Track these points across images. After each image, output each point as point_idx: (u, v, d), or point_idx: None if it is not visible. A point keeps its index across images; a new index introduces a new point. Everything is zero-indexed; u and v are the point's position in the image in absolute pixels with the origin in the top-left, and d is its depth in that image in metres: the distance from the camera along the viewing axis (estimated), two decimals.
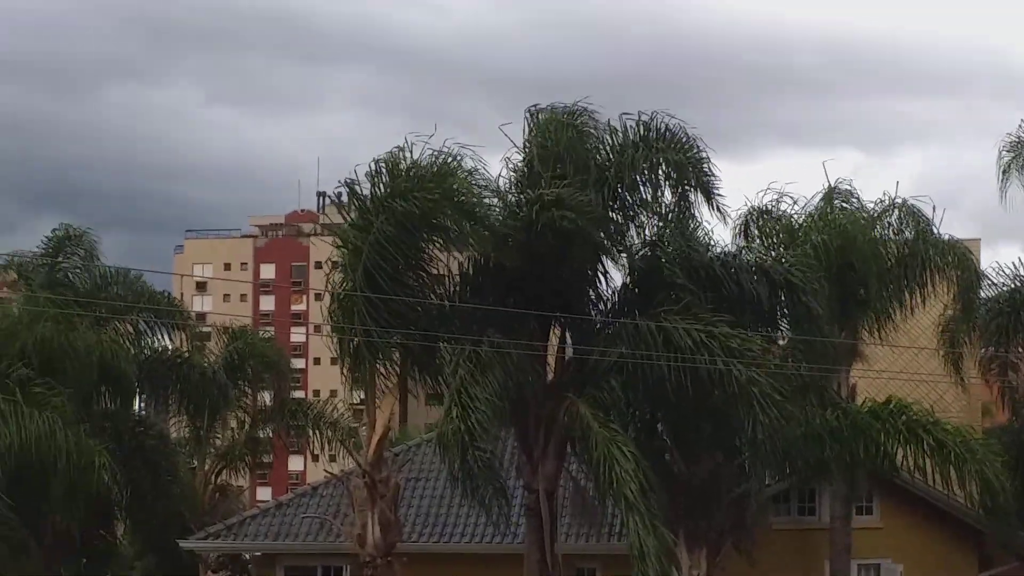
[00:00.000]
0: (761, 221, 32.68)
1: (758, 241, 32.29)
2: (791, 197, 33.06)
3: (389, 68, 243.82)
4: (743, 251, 30.03)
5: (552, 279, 27.23)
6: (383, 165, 26.40)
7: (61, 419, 29.89)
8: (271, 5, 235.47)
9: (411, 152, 26.29)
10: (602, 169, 27.34)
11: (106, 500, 34.40)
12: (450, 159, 26.10)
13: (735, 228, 31.94)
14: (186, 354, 39.85)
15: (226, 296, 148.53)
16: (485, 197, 26.22)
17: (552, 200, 25.87)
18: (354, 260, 26.06)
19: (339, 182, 26.86)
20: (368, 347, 25.99)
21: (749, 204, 32.43)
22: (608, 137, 27.76)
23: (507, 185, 27.42)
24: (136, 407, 38.74)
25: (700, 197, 27.98)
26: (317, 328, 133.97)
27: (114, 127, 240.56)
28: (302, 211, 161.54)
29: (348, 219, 27.20)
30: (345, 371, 26.84)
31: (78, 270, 36.92)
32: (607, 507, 29.25)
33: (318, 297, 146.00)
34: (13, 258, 37.58)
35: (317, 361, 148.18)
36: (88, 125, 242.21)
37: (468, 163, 26.28)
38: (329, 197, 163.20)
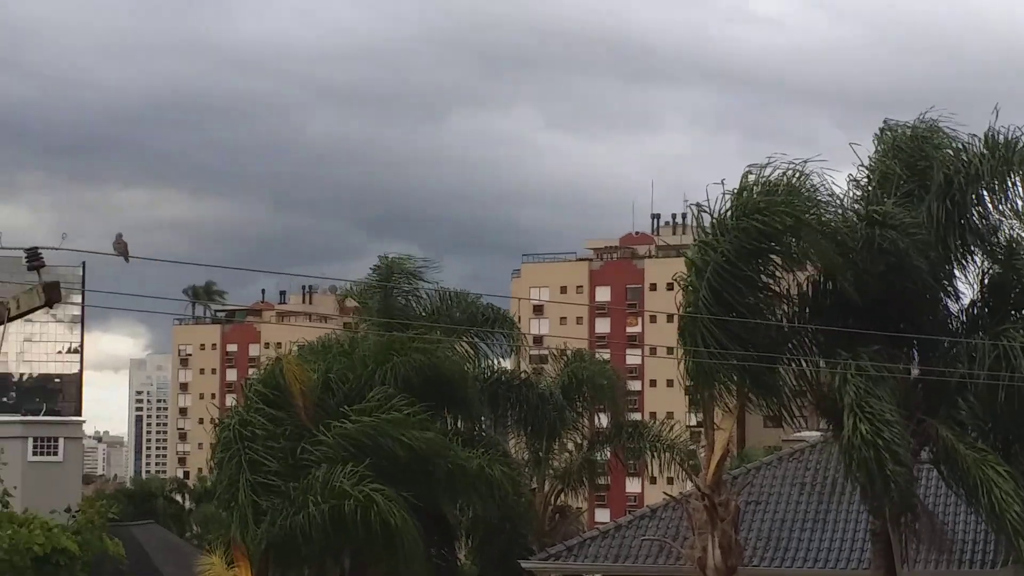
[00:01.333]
0: None
1: None
2: None
3: (724, 86, 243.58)
4: None
5: (894, 297, 26.45)
6: (729, 186, 26.16)
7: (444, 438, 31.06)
8: (607, 28, 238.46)
9: (758, 172, 25.97)
10: (948, 183, 26.42)
11: (447, 519, 35.18)
12: (795, 175, 25.68)
13: None
14: (524, 376, 40.40)
15: (562, 319, 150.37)
16: (827, 215, 25.74)
17: (879, 219, 25.19)
18: (697, 281, 25.91)
19: (686, 202, 26.81)
20: (708, 369, 25.76)
21: None
22: (957, 150, 26.79)
23: (849, 203, 26.85)
24: (478, 428, 39.46)
25: None
26: (652, 350, 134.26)
27: (457, 154, 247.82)
28: (636, 233, 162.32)
29: (696, 239, 27.03)
30: (687, 393, 26.68)
31: (421, 295, 37.83)
32: (959, 532, 28.21)
33: (653, 319, 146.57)
34: (353, 285, 38.91)
35: (653, 383, 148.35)
36: (432, 153, 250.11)
37: (811, 180, 25.86)
38: (670, 220, 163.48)
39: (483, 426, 38.82)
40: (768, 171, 25.73)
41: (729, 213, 25.77)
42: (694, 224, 26.89)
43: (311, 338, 38.26)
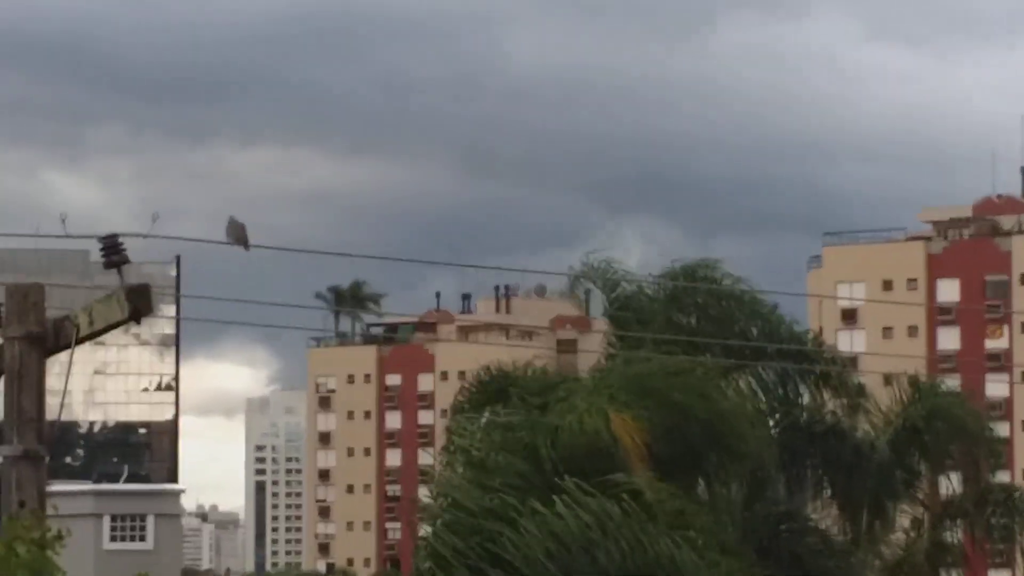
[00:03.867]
0: None
1: None
2: None
3: None
4: None
5: None
6: None
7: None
8: None
9: None
10: None
11: None
12: None
13: None
14: (834, 418, 40.14)
15: (886, 330, 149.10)
16: None
17: None
18: None
19: None
20: None
21: None
22: None
23: None
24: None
25: None
26: None
27: (729, 84, 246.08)
28: (999, 197, 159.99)
29: None
30: None
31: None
32: None
33: None
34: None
35: None
36: (693, 83, 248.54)
37: None
38: None
39: (776, 492, 38.79)
40: None
41: None
42: None
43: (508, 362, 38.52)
